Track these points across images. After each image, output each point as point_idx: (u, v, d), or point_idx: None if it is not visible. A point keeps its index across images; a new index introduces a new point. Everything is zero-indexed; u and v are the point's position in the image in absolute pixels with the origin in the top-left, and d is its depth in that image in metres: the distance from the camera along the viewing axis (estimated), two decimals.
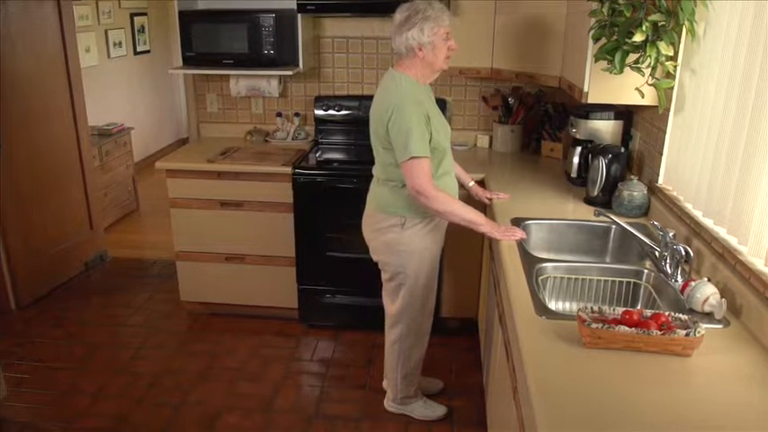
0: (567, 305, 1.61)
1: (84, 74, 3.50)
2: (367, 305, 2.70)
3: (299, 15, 2.67)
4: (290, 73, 2.75)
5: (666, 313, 1.23)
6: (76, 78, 3.31)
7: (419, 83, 1.85)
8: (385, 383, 2.34)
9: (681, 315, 1.23)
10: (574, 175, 2.25)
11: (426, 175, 1.77)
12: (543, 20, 2.35)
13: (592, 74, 1.87)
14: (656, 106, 1.81)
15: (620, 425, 0.98)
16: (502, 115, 2.82)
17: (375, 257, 2.06)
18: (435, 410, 2.21)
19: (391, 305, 2.08)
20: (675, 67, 1.73)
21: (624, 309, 1.24)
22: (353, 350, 2.67)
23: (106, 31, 4.87)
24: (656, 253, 1.55)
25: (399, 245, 1.94)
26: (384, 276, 2.06)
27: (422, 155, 1.75)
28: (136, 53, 5.37)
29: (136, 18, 5.30)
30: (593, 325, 1.18)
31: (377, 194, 1.98)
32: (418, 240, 1.94)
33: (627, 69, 1.72)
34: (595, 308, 1.25)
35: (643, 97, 1.79)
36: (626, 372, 1.12)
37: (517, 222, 1.88)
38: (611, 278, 1.59)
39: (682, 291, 1.37)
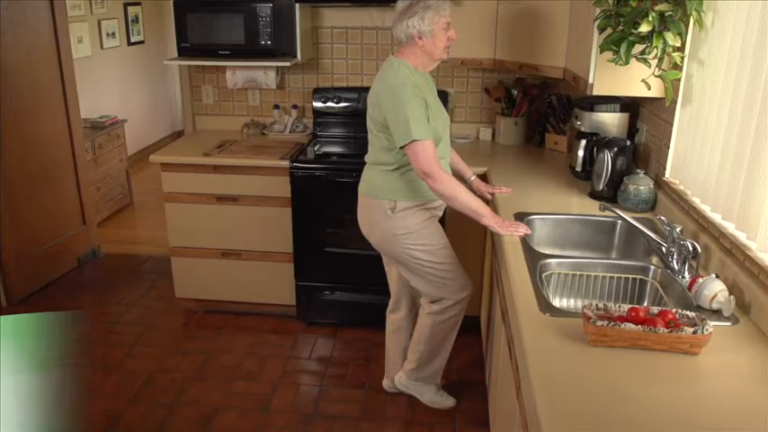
0: (572, 302, 1.60)
1: (77, 65, 3.45)
2: (366, 302, 2.67)
3: (297, 5, 2.64)
4: (287, 64, 2.71)
5: (673, 310, 1.21)
6: (69, 70, 3.26)
7: (418, 70, 1.86)
8: (385, 383, 2.32)
9: (688, 312, 1.22)
10: (578, 168, 2.23)
11: (431, 156, 1.77)
12: (547, 9, 2.32)
13: (597, 65, 1.86)
14: (663, 98, 1.80)
15: (626, 424, 0.97)
16: (505, 107, 2.79)
17: (382, 253, 2.05)
18: (446, 399, 2.19)
19: (427, 287, 2.01)
20: (683, 58, 1.72)
21: (630, 306, 1.23)
22: (352, 348, 2.64)
23: (99, 22, 4.81)
24: (663, 249, 1.54)
25: (396, 230, 1.92)
26: (403, 271, 2.03)
27: (424, 137, 1.76)
28: (129, 44, 5.31)
29: (129, 8, 5.24)
30: (599, 322, 1.16)
31: (366, 180, 1.99)
32: (412, 218, 1.92)
33: (633, 60, 1.70)
34: (601, 305, 1.24)
35: (649, 89, 1.77)
36: (632, 370, 1.11)
37: (520, 217, 1.85)
38: (616, 274, 1.57)
39: (689, 287, 1.36)
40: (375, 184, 1.94)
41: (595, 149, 2.12)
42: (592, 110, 2.18)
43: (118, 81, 5.15)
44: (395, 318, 2.20)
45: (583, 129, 2.22)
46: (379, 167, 1.93)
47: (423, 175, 1.79)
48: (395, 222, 1.92)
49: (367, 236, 2.03)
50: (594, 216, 1.87)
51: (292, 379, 2.44)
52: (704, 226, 1.54)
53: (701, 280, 1.33)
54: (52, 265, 3.24)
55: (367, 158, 2.00)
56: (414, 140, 1.75)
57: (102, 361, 2.54)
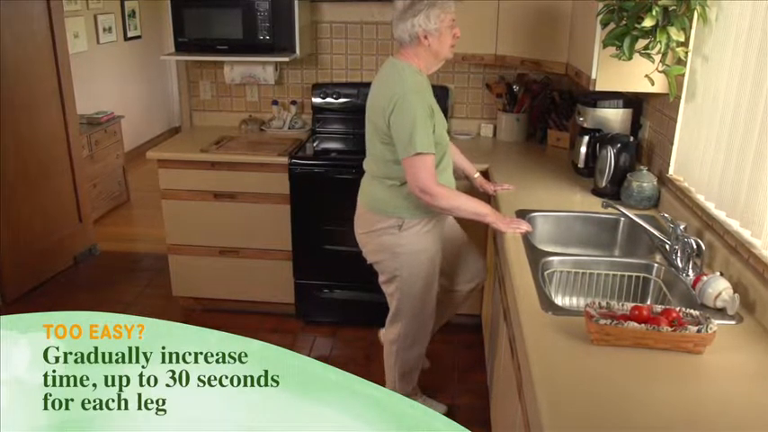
0: (574, 300, 1.58)
1: (73, 60, 3.42)
2: (366, 300, 2.66)
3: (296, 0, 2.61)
4: (286, 59, 2.69)
5: (677, 309, 1.20)
6: (65, 65, 3.23)
7: (422, 73, 1.79)
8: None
9: (692, 311, 1.21)
10: (581, 165, 2.21)
11: (431, 172, 1.71)
12: (549, 4, 2.30)
13: (600, 60, 1.84)
14: (667, 94, 1.78)
15: (629, 424, 0.96)
16: (506, 103, 2.77)
17: (369, 259, 1.98)
18: (435, 409, 2.17)
19: (390, 306, 2.02)
20: (687, 53, 1.70)
21: (633, 304, 1.22)
22: (352, 347, 2.63)
23: (95, 16, 4.78)
24: (667, 246, 1.53)
25: (396, 247, 1.86)
26: (380, 279, 1.99)
27: (427, 150, 1.69)
28: (126, 39, 5.27)
29: (126, 3, 5.21)
30: (602, 321, 1.16)
31: (370, 193, 1.89)
32: (417, 241, 1.86)
33: (636, 56, 1.69)
34: (603, 303, 1.23)
35: (653, 85, 1.76)
36: (635, 369, 1.10)
37: (522, 214, 1.84)
38: (619, 272, 1.55)
39: (693, 285, 1.35)
40: (382, 200, 1.84)
41: (598, 146, 2.10)
42: (594, 106, 2.16)
43: (114, 77, 5.11)
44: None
45: (585, 125, 2.20)
46: (385, 181, 1.82)
47: (419, 192, 1.71)
48: (401, 240, 1.84)
49: (361, 244, 1.96)
50: (597, 213, 1.86)
51: None
52: (708, 223, 1.53)
53: (705, 278, 1.32)
54: (48, 263, 3.22)
55: (368, 169, 1.88)
56: (417, 153, 1.67)
57: None
